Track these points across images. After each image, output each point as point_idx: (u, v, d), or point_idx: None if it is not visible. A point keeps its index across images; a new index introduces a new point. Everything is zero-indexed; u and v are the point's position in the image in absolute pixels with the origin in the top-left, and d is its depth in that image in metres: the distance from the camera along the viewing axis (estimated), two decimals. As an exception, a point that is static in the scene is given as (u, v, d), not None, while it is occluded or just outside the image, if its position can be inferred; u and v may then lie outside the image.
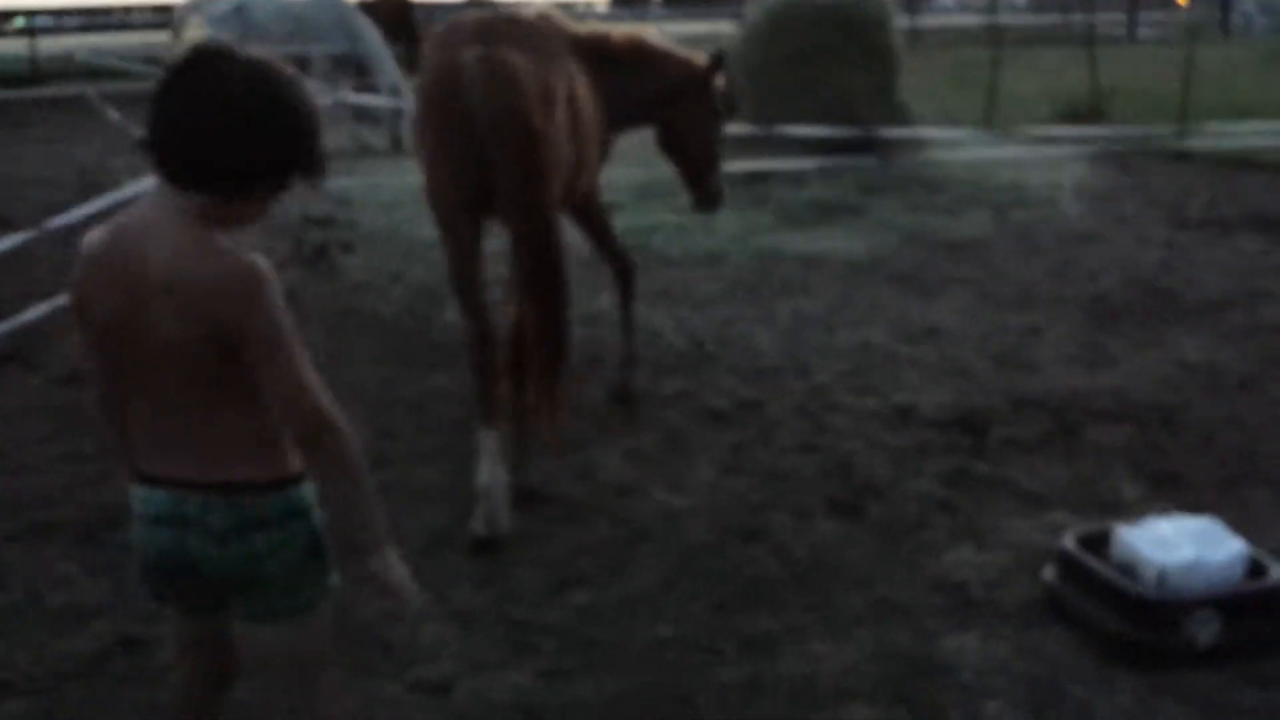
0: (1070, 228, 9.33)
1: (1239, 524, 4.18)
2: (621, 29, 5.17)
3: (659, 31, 5.79)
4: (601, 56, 4.77)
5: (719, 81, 5.29)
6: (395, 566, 2.12)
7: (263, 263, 1.96)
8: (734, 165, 10.25)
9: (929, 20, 36.11)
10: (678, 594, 3.80)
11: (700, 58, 5.26)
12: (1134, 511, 4.26)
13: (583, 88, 4.51)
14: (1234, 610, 3.30)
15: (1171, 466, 4.74)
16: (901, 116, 11.51)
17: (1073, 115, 13.78)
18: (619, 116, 4.90)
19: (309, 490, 2.11)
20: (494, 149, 3.94)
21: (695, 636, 3.54)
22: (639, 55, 5.01)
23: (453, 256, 4.22)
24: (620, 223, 9.28)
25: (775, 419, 5.30)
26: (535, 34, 4.33)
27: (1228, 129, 12.32)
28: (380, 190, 10.38)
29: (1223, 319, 6.83)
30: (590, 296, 6.45)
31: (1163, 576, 3.34)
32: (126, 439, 2.12)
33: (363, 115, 13.43)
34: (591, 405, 5.36)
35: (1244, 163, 11.87)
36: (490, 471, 4.08)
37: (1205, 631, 3.26)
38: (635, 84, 4.94)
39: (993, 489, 4.55)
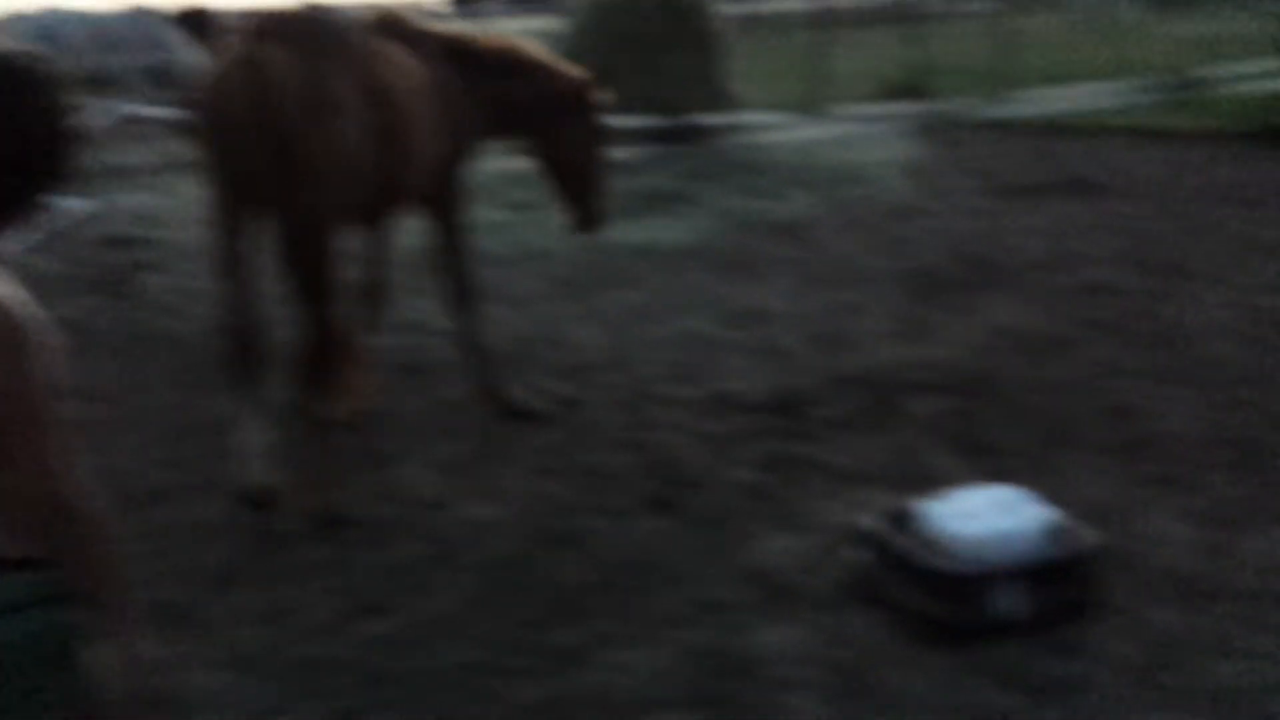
0: (893, 203, 9.42)
1: (1051, 490, 4.18)
2: (497, 36, 5.17)
3: (515, 36, 5.60)
4: (466, 60, 4.72)
5: (598, 98, 5.12)
6: (134, 664, 1.79)
7: (20, 313, 1.63)
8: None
9: (765, 6, 36.52)
10: (484, 612, 3.60)
11: (576, 72, 5.11)
12: (949, 483, 4.22)
13: (414, 86, 4.34)
14: (1039, 579, 3.25)
15: (987, 435, 4.74)
16: (727, 102, 11.51)
17: (896, 92, 14.00)
18: (486, 123, 4.81)
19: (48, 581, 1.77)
20: (247, 147, 3.82)
21: (500, 657, 3.35)
22: (507, 62, 4.91)
23: (214, 251, 4.16)
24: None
25: (594, 417, 5.15)
26: (325, 32, 4.13)
27: (1043, 95, 12.68)
28: (188, 206, 9.88)
29: (1038, 283, 6.93)
30: (412, 301, 6.19)
31: (965, 549, 3.28)
32: None
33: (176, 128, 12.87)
34: (404, 417, 5.12)
35: (1060, 129, 12.23)
36: (244, 427, 4.16)
37: (1010, 602, 3.21)
38: (502, 91, 4.84)
39: (809, 470, 4.47)
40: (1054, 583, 3.28)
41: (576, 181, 5.25)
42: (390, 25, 4.65)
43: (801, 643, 3.31)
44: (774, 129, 11.92)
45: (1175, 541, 3.80)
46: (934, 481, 4.26)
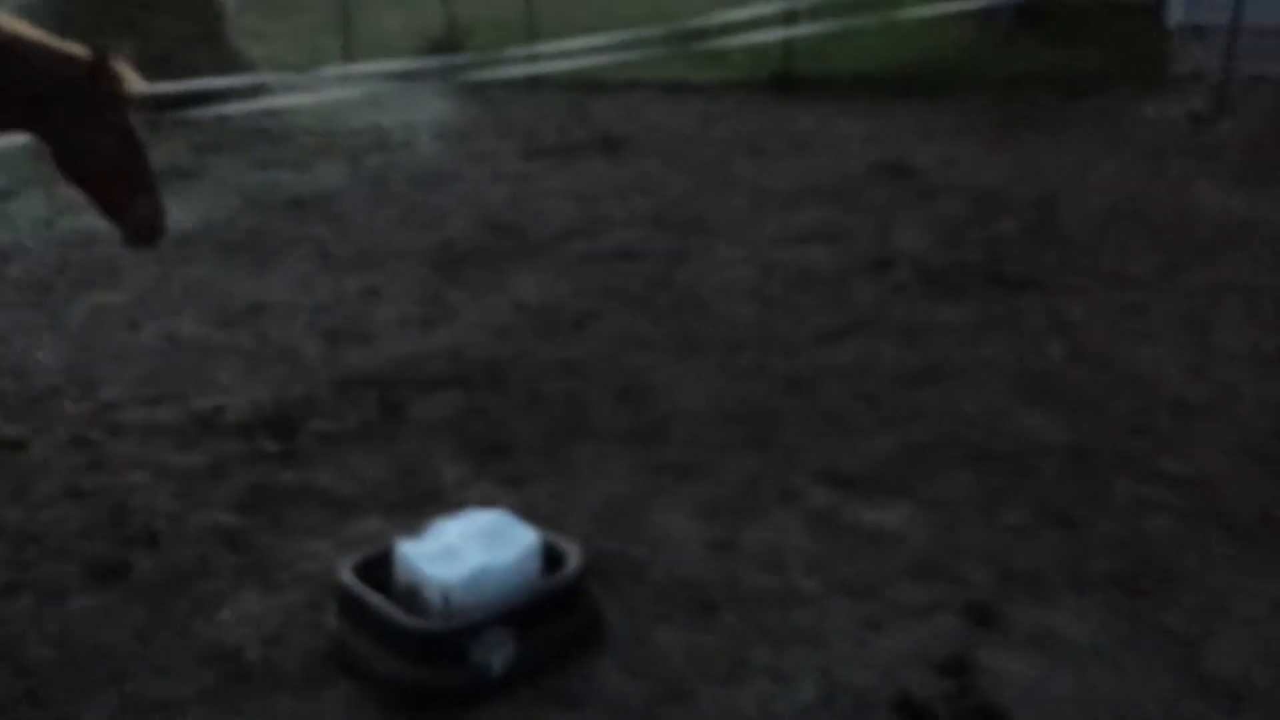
0: (424, 169, 8.87)
1: (562, 489, 3.85)
2: None
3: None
4: None
5: (119, 80, 3.97)
6: None
7: None
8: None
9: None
10: None
11: (80, 52, 3.95)
12: (454, 498, 3.79)
13: None
14: (528, 620, 2.85)
15: (498, 434, 4.33)
16: (239, 64, 10.44)
17: (432, 50, 13.40)
18: None
19: None
20: None
21: None
22: None
23: None
24: None
25: (39, 461, 4.23)
26: None
27: (575, 48, 12.57)
28: None
29: (565, 251, 6.65)
30: None
31: (448, 596, 2.81)
32: None
33: None
34: None
35: (592, 86, 12.15)
36: None
37: (498, 655, 2.78)
38: None
39: (298, 504, 3.85)
40: (546, 621, 2.88)
41: (109, 186, 4.15)
42: None
43: (259, 740, 2.72)
44: (297, 91, 10.95)
45: (684, 540, 3.55)
46: (439, 498, 3.82)
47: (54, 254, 6.83)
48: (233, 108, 9.78)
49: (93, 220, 7.74)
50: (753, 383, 4.73)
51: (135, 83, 4.18)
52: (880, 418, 4.41)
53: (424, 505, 3.73)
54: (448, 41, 13.91)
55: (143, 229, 4.24)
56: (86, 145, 4.10)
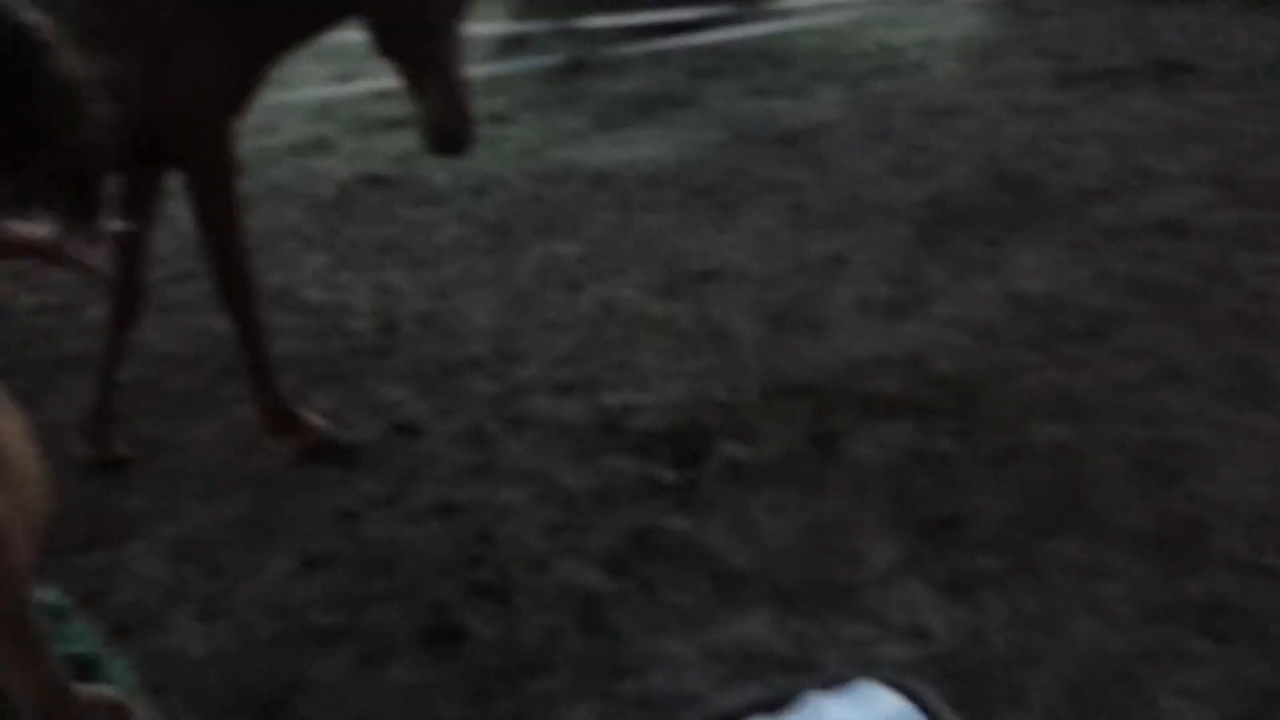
0: (933, 99, 7.67)
1: (1029, 619, 2.75)
2: None
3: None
4: None
5: None
6: None
7: None
8: (541, 56, 8.72)
9: None
10: None
11: None
12: (869, 605, 2.81)
13: None
14: None
15: (952, 501, 3.25)
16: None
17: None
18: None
19: None
20: None
21: None
22: None
23: None
24: (396, 144, 7.82)
25: (426, 455, 3.78)
26: None
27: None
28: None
29: (1089, 218, 5.27)
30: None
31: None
32: None
33: None
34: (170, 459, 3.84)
35: (1157, -6, 10.13)
36: None
37: None
38: None
39: (675, 567, 3.06)
40: None
41: (406, 70, 3.61)
42: None
43: None
44: (808, 10, 10.08)
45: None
46: (850, 602, 2.86)
47: (526, 191, 6.53)
48: (740, 27, 9.10)
49: (576, 152, 7.47)
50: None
51: None
52: None
53: (827, 606, 2.80)
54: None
55: (442, 125, 3.59)
56: (377, 16, 3.49)
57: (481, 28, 7.26)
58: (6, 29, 1.36)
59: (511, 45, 8.94)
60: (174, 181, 3.59)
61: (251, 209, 4.19)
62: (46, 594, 1.52)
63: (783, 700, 1.88)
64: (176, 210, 3.90)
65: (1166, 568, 2.87)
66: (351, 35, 3.71)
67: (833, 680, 1.76)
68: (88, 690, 1.44)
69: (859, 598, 2.84)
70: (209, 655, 2.85)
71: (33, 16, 1.39)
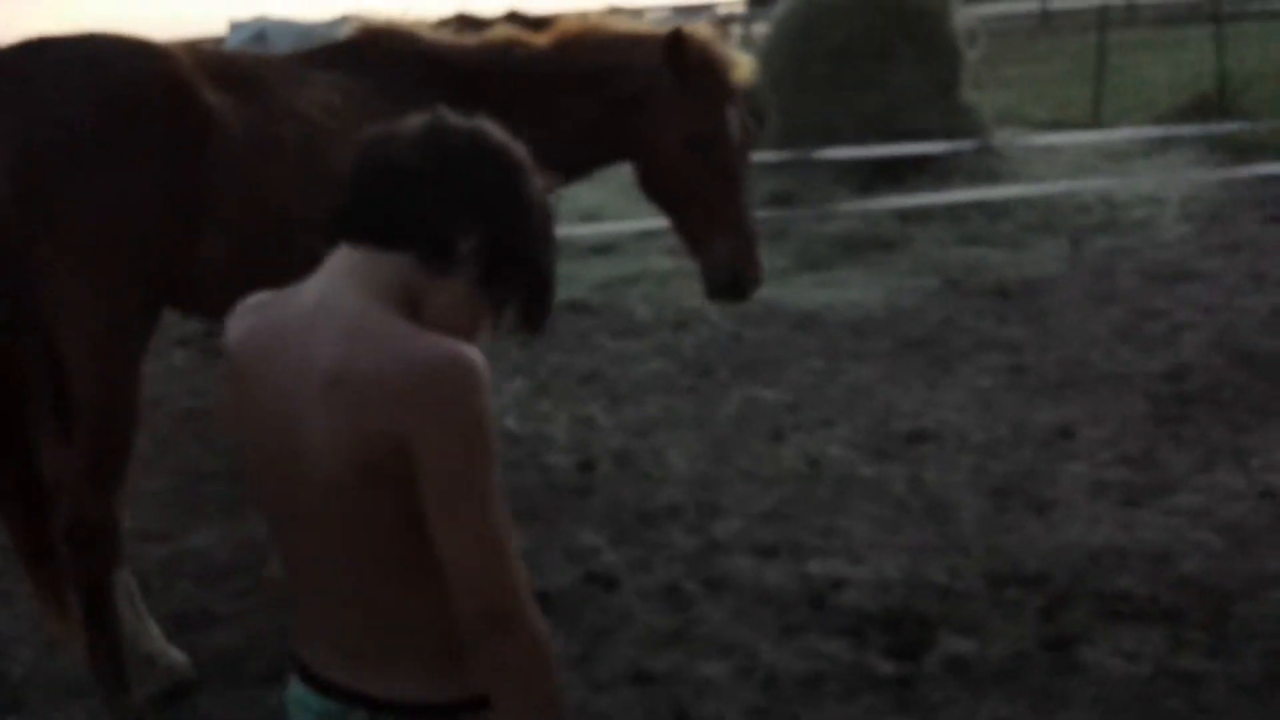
0: (1161, 260, 7.27)
1: None
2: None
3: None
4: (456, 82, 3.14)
5: (712, 65, 3.36)
6: None
7: (475, 356, 1.36)
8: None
9: (1067, 3, 32.68)
10: None
11: (649, 32, 3.53)
12: None
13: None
14: None
15: (1212, 731, 2.86)
16: (966, 119, 9.50)
17: (1194, 109, 11.47)
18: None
19: None
20: None
21: None
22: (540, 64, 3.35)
23: None
24: (600, 271, 7.84)
25: (621, 611, 3.58)
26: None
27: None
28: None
29: (1350, 408, 4.80)
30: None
31: None
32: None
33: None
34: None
35: None
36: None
37: None
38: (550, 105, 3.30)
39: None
40: None
41: (686, 211, 3.50)
42: None
43: None
44: (1031, 155, 9.79)
45: None
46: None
47: (727, 328, 6.40)
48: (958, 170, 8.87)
49: (779, 291, 7.31)
50: None
51: (730, 64, 3.36)
52: None
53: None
54: (1214, 99, 11.85)
55: (719, 277, 3.45)
56: (663, 152, 3.38)
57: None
58: (492, 151, 1.48)
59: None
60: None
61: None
62: None
63: None
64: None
65: None
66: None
67: None
68: None
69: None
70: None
71: (511, 138, 1.50)
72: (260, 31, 14.87)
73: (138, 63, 2.67)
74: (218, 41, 15.96)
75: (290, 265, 2.90)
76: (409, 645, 1.44)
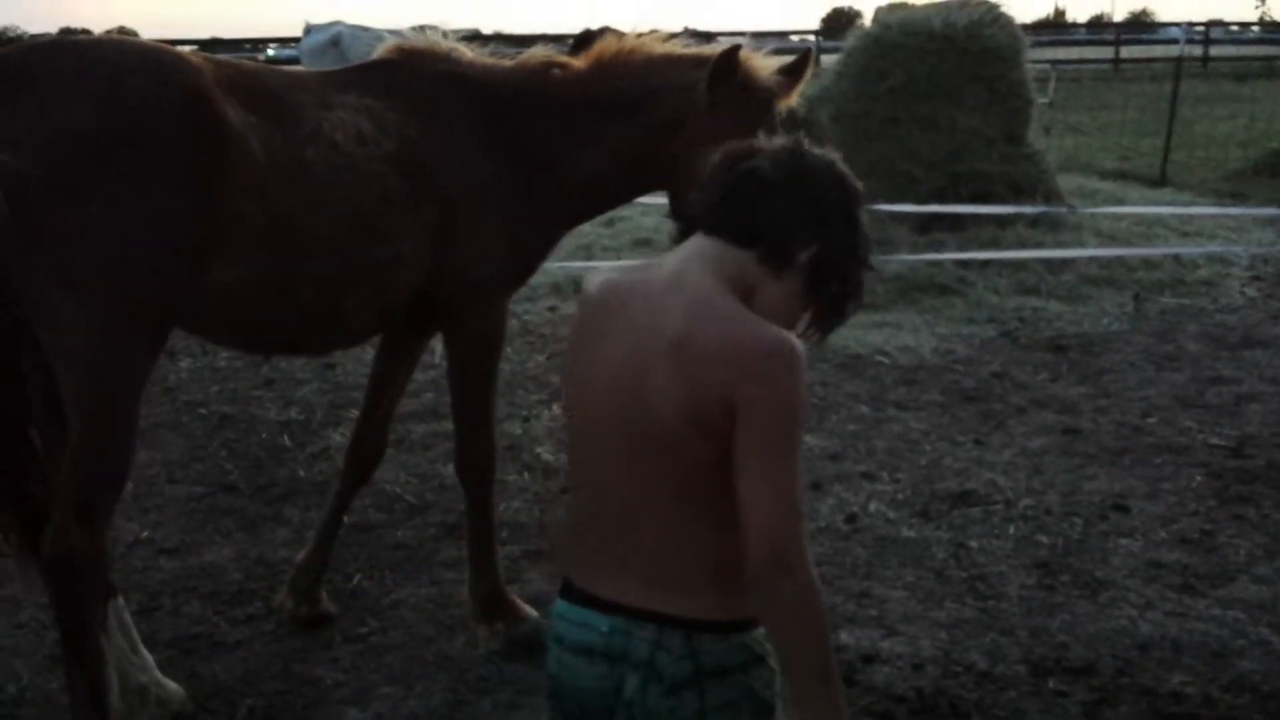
0: (1229, 325, 7.01)
1: None
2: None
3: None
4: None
5: (759, 85, 3.21)
6: None
7: (796, 342, 1.68)
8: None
9: (1139, 50, 32.21)
10: None
11: (690, 52, 3.33)
12: None
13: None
14: None
15: None
16: (1031, 165, 9.26)
17: (1265, 164, 11.16)
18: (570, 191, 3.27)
19: (763, 635, 1.71)
20: None
21: None
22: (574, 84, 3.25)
23: None
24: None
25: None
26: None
27: None
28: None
29: None
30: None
31: None
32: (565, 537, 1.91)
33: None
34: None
35: None
36: None
37: None
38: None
39: None
40: None
41: None
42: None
43: None
44: (1097, 207, 9.52)
45: None
46: None
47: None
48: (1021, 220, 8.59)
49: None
50: None
51: (775, 83, 3.19)
52: None
53: None
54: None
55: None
56: (700, 175, 3.18)
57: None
58: (840, 179, 1.77)
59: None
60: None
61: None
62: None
63: None
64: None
65: None
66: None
67: None
68: None
69: None
70: None
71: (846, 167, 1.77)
72: (336, 35, 14.90)
73: (155, 73, 2.52)
74: (293, 42, 15.95)
75: (304, 292, 2.79)
76: (699, 570, 1.70)
